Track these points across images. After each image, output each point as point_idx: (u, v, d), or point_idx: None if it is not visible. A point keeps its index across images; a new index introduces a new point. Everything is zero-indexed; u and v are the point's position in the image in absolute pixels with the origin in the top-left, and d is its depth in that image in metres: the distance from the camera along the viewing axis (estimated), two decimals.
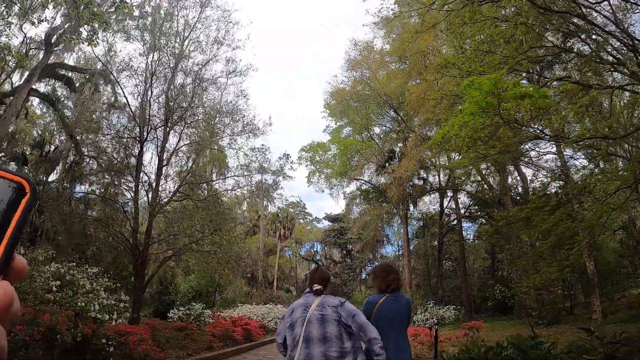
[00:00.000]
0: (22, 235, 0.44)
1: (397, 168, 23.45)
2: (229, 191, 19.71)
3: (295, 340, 3.40)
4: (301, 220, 63.09)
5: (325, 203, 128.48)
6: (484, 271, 36.86)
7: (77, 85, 20.58)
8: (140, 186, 16.54)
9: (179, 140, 17.71)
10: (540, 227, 12.32)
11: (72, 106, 20.07)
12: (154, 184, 16.70)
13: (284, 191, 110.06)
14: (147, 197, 16.57)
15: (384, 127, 35.47)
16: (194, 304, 21.86)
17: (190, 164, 18.55)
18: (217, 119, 18.28)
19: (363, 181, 37.21)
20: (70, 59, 21.33)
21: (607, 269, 20.56)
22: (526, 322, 20.66)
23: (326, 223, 59.99)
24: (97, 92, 20.29)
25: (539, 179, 28.89)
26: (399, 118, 28.94)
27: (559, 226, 12.48)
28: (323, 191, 39.52)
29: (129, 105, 17.33)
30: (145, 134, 16.33)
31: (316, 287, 3.61)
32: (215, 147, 18.92)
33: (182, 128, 17.55)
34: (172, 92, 17.00)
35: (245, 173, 19.55)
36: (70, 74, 20.48)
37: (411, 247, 36.26)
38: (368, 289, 48.17)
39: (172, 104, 16.75)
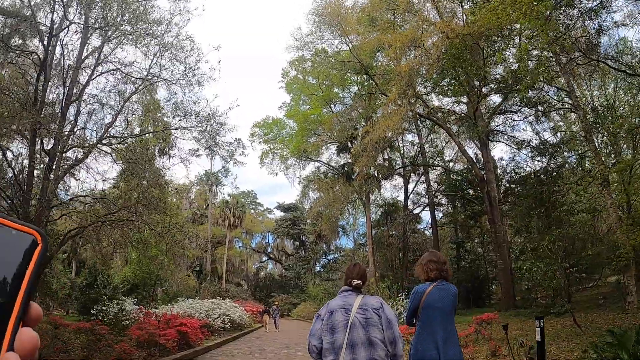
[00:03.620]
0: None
1: (375, 129, 18.94)
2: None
3: (337, 345, 3.15)
4: (252, 211, 57.96)
5: (278, 197, 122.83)
6: (451, 261, 33.44)
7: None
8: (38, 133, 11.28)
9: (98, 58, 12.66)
10: None
11: None
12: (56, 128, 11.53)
13: (234, 178, 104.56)
14: (42, 146, 11.31)
15: (346, 105, 31.20)
16: (123, 298, 17.27)
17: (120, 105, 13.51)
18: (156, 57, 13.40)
19: (322, 162, 32.90)
20: None
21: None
22: (522, 313, 17.14)
23: (279, 214, 55.27)
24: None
25: (521, 157, 25.75)
26: (370, 84, 24.69)
27: None
28: (277, 174, 34.76)
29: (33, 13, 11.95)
30: (47, 47, 11.11)
31: (356, 282, 3.38)
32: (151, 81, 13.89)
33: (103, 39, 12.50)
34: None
35: (193, 157, 15.12)
36: None
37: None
38: (323, 282, 43.77)
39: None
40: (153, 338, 10.41)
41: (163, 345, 10.54)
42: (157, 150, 29.99)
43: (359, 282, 3.37)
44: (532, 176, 24.05)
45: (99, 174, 14.31)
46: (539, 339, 4.84)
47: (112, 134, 13.82)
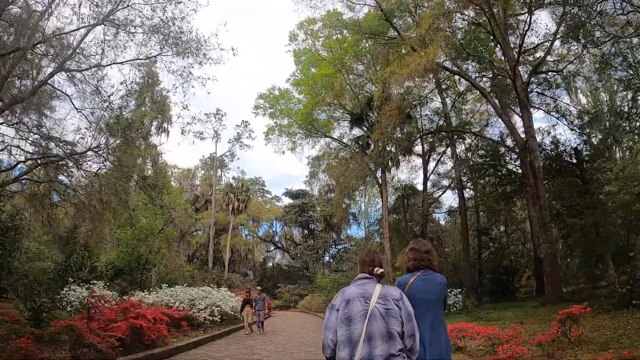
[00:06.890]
0: None
1: (400, 68, 14.94)
2: None
3: (355, 337, 2.64)
4: (259, 198, 54.30)
5: (288, 185, 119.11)
6: (473, 250, 29.50)
7: None
8: None
9: None
10: None
11: None
12: None
13: (240, 162, 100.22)
14: None
15: (361, 79, 27.34)
16: (95, 282, 14.31)
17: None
18: None
19: (333, 138, 29.23)
20: None
21: None
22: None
23: (287, 201, 51.65)
24: None
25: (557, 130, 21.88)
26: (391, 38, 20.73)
27: None
28: (284, 152, 31.23)
29: None
30: None
31: (380, 270, 2.93)
32: None
33: None
34: None
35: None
36: None
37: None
38: (332, 273, 40.16)
39: None
40: (78, 333, 6.67)
41: (94, 344, 6.81)
42: (153, 127, 26.10)
43: (382, 270, 2.95)
44: (572, 150, 20.23)
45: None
46: None
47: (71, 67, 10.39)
